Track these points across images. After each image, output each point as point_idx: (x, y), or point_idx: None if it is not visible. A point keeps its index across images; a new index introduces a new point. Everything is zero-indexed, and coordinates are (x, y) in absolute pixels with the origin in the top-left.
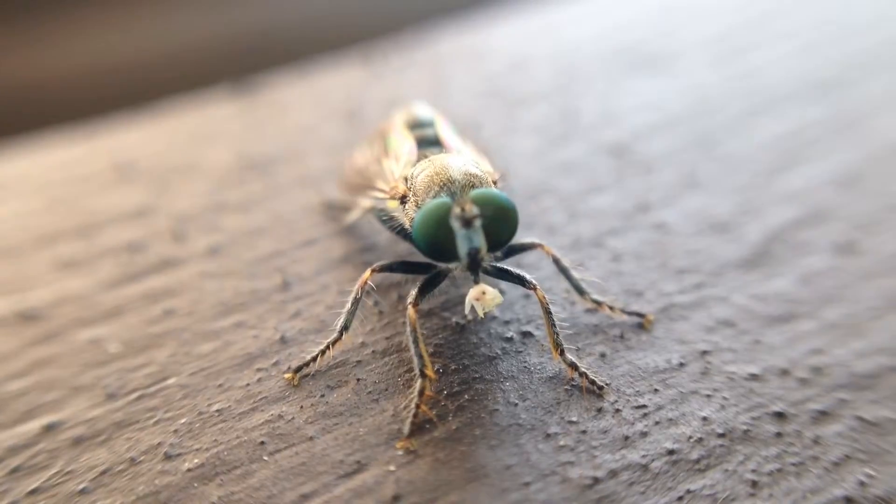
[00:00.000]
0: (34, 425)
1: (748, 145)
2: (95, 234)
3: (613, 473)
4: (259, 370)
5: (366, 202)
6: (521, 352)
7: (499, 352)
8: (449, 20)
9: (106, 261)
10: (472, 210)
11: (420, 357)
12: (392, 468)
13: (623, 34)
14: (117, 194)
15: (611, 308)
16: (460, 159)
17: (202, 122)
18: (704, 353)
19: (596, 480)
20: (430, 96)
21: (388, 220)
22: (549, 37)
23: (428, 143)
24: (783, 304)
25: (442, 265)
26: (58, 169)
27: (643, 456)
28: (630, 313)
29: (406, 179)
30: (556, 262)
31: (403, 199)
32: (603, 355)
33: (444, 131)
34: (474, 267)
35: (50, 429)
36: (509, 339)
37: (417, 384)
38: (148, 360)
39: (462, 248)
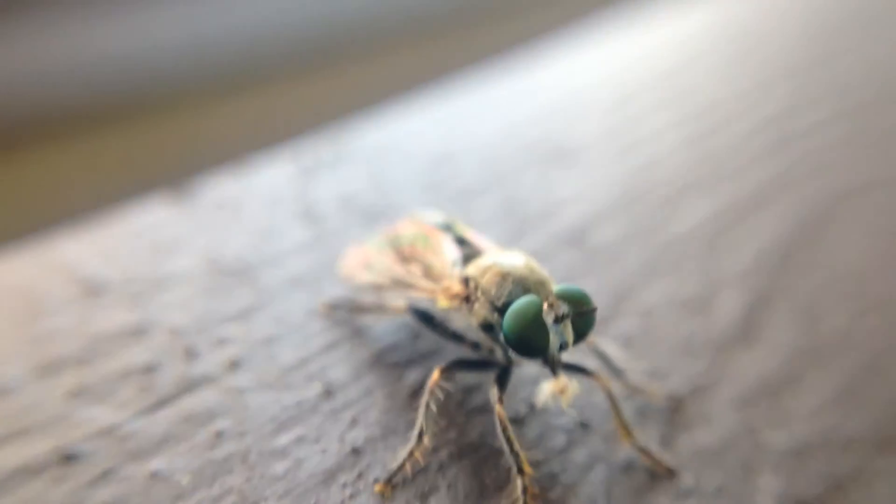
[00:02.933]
0: None
1: (684, 229)
2: (97, 360)
3: None
4: (345, 485)
5: (398, 303)
6: (585, 442)
7: (565, 443)
8: (364, 116)
9: (124, 386)
10: (563, 307)
11: (516, 454)
12: None
13: (528, 129)
14: (98, 315)
15: (651, 393)
16: (517, 257)
17: (152, 228)
18: (744, 429)
19: None
20: (372, 189)
21: (430, 320)
22: (465, 130)
23: (460, 243)
24: (784, 376)
25: (505, 358)
26: (14, 290)
27: None
28: (667, 398)
29: (467, 280)
30: (597, 351)
31: (467, 299)
32: (662, 438)
33: (467, 231)
34: (559, 361)
35: None
36: (570, 431)
37: (518, 483)
38: (226, 489)
39: (555, 344)
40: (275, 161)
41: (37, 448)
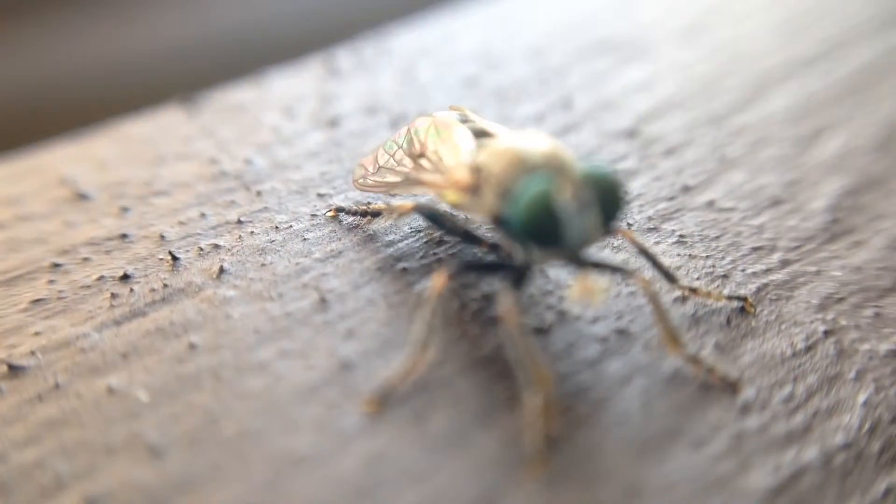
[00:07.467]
0: (69, 500)
1: (761, 119)
2: (71, 267)
3: (794, 477)
4: (328, 402)
5: (406, 203)
6: (624, 352)
7: (598, 354)
8: (397, 23)
9: (95, 296)
10: (584, 190)
11: (531, 364)
12: (537, 496)
13: (590, 26)
14: (83, 221)
15: (708, 294)
16: (538, 139)
17: (156, 136)
18: (828, 333)
19: (780, 489)
20: (402, 92)
21: (439, 218)
22: (510, 32)
23: (476, 135)
24: (882, 272)
25: (525, 259)
26: (1, 198)
27: (819, 454)
28: (730, 297)
29: (475, 168)
30: (641, 249)
31: (475, 190)
32: (718, 346)
33: (486, 122)
34: (582, 255)
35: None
36: (605, 339)
37: (535, 398)
38: (189, 406)
39: (575, 233)
40: (298, 68)
41: None
